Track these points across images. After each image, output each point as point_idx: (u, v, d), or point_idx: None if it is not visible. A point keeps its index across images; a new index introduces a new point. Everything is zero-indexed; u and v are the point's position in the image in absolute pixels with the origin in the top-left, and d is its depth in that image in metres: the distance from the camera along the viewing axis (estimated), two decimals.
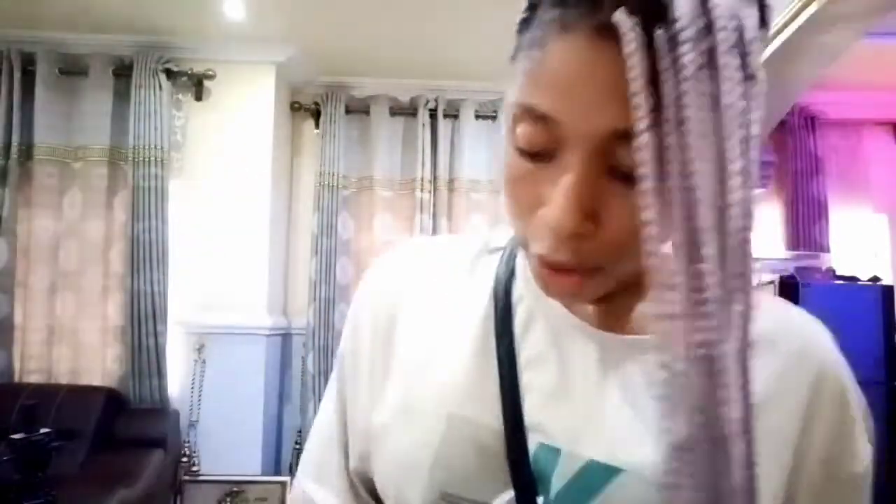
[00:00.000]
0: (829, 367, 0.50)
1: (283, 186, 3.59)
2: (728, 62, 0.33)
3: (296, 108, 3.62)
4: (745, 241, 0.34)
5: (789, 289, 3.33)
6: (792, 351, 0.49)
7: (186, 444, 3.07)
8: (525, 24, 0.43)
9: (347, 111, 3.57)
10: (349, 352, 0.58)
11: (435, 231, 3.52)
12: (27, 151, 3.14)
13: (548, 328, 0.51)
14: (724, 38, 0.33)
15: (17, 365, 3.08)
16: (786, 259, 3.65)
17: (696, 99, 0.33)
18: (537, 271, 0.45)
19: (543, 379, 0.49)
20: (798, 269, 3.46)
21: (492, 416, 0.49)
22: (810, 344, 0.51)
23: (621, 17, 0.34)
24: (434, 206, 3.54)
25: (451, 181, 3.57)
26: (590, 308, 0.51)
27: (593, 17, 0.36)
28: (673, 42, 0.33)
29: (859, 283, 3.43)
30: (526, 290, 0.53)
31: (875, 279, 3.44)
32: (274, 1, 2.93)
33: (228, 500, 2.92)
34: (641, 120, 0.34)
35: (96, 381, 3.08)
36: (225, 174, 3.27)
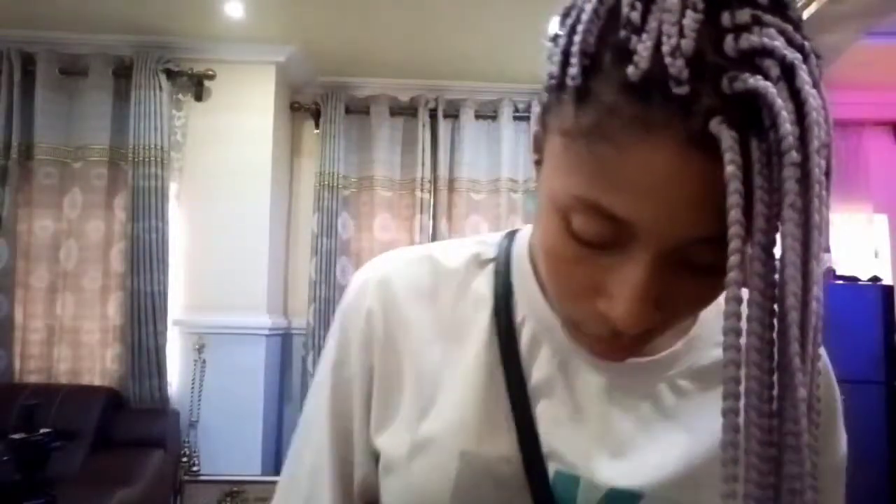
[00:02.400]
0: (822, 364, 0.52)
1: (283, 186, 3.59)
2: (821, 178, 0.33)
3: (296, 108, 3.62)
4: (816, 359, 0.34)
5: None
6: None
7: (186, 444, 3.07)
8: (579, 104, 0.36)
9: (347, 111, 3.57)
10: (344, 378, 0.54)
11: (435, 231, 3.52)
12: (27, 151, 3.14)
13: (553, 353, 0.50)
14: (817, 152, 0.32)
15: (17, 365, 3.08)
16: None
17: (793, 216, 0.32)
18: (588, 346, 0.44)
19: (554, 406, 0.49)
20: None
21: (507, 448, 0.47)
22: None
23: (722, 131, 0.32)
24: (434, 206, 3.54)
25: (451, 181, 3.57)
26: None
27: (685, 123, 0.32)
28: (768, 155, 0.32)
29: (859, 283, 3.43)
30: (529, 311, 0.51)
31: (875, 279, 3.44)
32: (274, 1, 2.93)
33: (228, 500, 2.92)
34: (735, 236, 0.32)
35: (96, 381, 3.08)
36: (225, 174, 3.27)
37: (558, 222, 0.39)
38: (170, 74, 3.21)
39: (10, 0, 2.94)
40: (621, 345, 0.42)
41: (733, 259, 0.33)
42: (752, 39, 0.32)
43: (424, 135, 3.54)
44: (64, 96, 3.20)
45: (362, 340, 0.53)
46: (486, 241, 0.56)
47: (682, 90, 0.32)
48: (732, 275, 0.33)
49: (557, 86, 0.38)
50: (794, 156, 0.31)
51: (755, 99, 0.31)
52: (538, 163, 0.44)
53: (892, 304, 3.32)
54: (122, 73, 3.20)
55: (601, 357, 0.44)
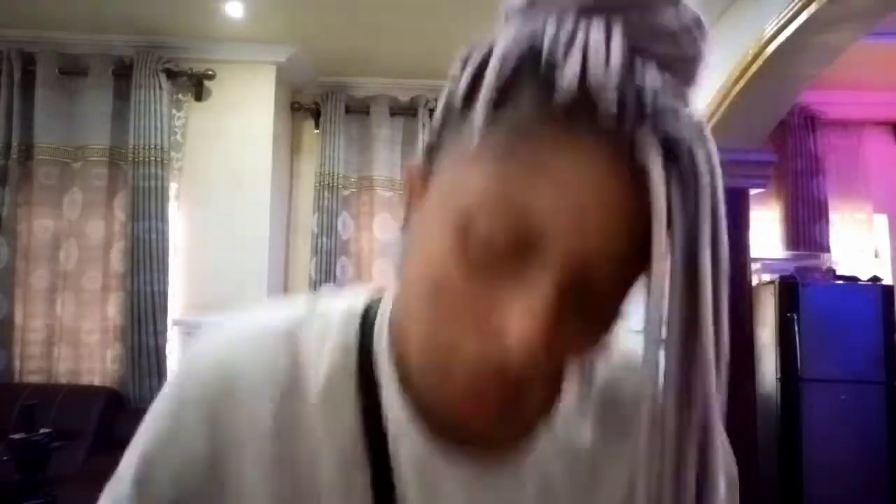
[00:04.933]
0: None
1: (283, 186, 3.59)
2: (723, 207, 0.34)
3: (296, 108, 3.62)
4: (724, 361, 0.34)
5: (789, 289, 3.34)
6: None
7: None
8: (495, 104, 0.35)
9: (347, 111, 3.57)
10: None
11: None
12: (27, 151, 3.14)
13: (414, 470, 0.44)
14: (718, 190, 0.34)
15: (17, 365, 3.08)
16: (786, 259, 3.66)
17: (706, 238, 0.33)
18: (462, 387, 0.37)
19: None
20: (798, 269, 3.46)
21: None
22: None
23: (649, 155, 0.32)
24: None
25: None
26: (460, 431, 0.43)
27: (606, 134, 0.33)
28: (685, 185, 0.33)
29: (859, 283, 3.44)
30: (395, 423, 0.44)
31: (875, 279, 3.44)
32: (274, 1, 2.93)
33: None
34: (658, 261, 0.33)
35: (96, 381, 3.08)
36: (225, 174, 3.27)
37: (451, 241, 0.35)
38: (170, 74, 3.21)
39: (10, 0, 2.94)
40: (499, 391, 0.36)
41: (659, 273, 0.33)
42: (666, 98, 0.34)
43: (424, 135, 3.55)
44: (64, 96, 3.20)
45: (194, 456, 0.43)
46: (328, 318, 0.47)
47: (609, 123, 0.32)
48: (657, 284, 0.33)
49: (465, 101, 0.37)
50: (708, 183, 0.33)
51: (673, 136, 0.33)
52: (410, 198, 0.42)
53: (892, 304, 3.32)
54: (122, 73, 3.20)
55: (471, 413, 0.38)
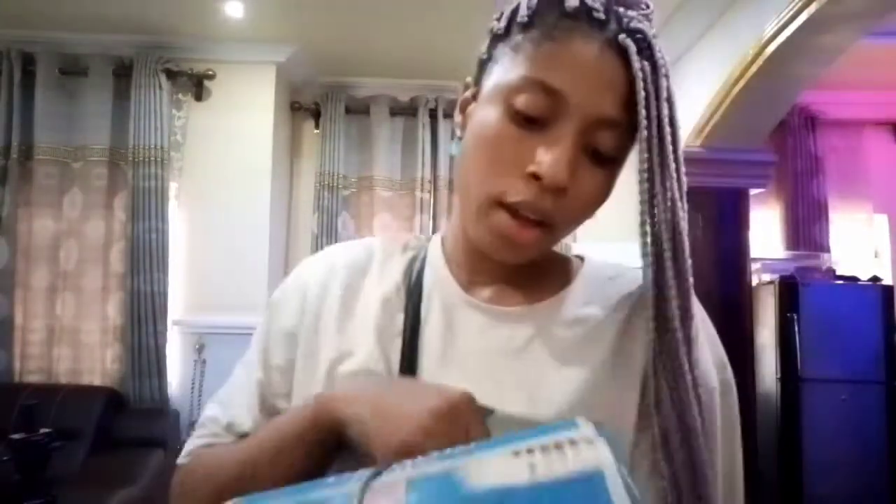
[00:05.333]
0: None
1: (283, 186, 3.59)
2: (675, 101, 0.53)
3: (296, 108, 3.62)
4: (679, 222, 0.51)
5: (789, 289, 3.34)
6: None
7: None
8: (526, 25, 0.54)
9: (347, 111, 3.57)
10: (282, 328, 0.66)
11: (435, 231, 3.51)
12: (27, 151, 3.14)
13: (444, 307, 0.61)
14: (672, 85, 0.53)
15: (17, 365, 3.08)
16: (786, 259, 3.66)
17: (666, 113, 0.51)
18: (504, 225, 0.54)
19: (435, 346, 0.58)
20: (798, 269, 3.46)
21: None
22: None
23: (628, 43, 0.51)
24: (434, 206, 3.54)
25: (451, 181, 3.57)
26: (485, 293, 0.62)
27: (602, 34, 0.51)
28: (654, 72, 0.51)
29: (859, 283, 3.43)
30: (434, 280, 0.63)
31: (875, 279, 3.44)
32: (274, 1, 2.93)
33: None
34: (643, 118, 0.50)
35: (96, 381, 3.08)
36: (225, 174, 3.27)
37: (501, 110, 0.53)
38: (170, 74, 3.21)
39: (10, 0, 2.94)
40: (540, 210, 0.53)
41: (644, 128, 0.50)
42: (632, 12, 0.53)
43: (424, 135, 3.54)
44: (64, 96, 3.20)
45: (301, 306, 0.65)
46: (415, 239, 0.70)
47: (600, 15, 0.51)
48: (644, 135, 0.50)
49: (506, 29, 0.56)
50: (665, 69, 0.51)
51: (640, 35, 0.51)
52: (464, 106, 0.62)
53: (892, 304, 3.32)
54: (122, 73, 3.20)
55: (514, 238, 0.54)
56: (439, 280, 0.63)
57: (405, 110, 3.59)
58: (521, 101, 0.52)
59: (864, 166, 3.97)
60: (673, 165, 0.51)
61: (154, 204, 3.09)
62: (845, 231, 3.90)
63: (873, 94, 3.79)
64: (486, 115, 0.55)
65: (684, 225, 0.51)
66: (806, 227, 3.81)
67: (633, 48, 0.50)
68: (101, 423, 2.78)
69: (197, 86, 3.27)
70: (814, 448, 3.26)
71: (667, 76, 0.51)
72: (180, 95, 3.28)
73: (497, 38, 0.57)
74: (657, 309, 0.51)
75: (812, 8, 2.20)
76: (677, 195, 0.51)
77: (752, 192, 3.13)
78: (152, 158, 3.11)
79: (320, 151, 3.52)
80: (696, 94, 2.86)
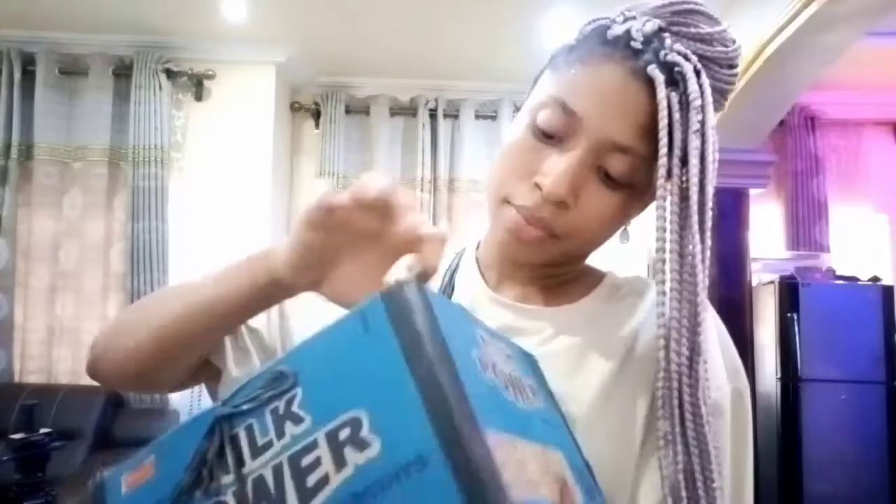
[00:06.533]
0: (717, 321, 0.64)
1: (283, 186, 3.58)
2: (712, 136, 0.52)
3: (296, 108, 3.62)
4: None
5: (789, 289, 3.33)
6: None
7: None
8: (571, 49, 0.58)
9: (347, 111, 3.57)
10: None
11: None
12: (27, 151, 3.14)
13: (471, 302, 0.64)
14: (712, 120, 0.52)
15: (17, 365, 3.08)
16: (786, 259, 3.65)
17: (696, 146, 0.51)
18: (511, 220, 0.57)
19: None
20: (798, 269, 3.46)
21: None
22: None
23: (657, 74, 0.51)
24: (434, 206, 3.54)
25: (451, 181, 3.57)
26: (511, 293, 0.65)
27: (632, 62, 0.53)
28: (682, 105, 0.51)
29: (859, 283, 3.43)
30: (466, 281, 0.67)
31: (875, 279, 3.43)
32: (274, 1, 2.93)
33: None
34: (663, 148, 0.51)
35: None
36: (225, 174, 3.27)
37: (526, 122, 0.57)
38: (170, 74, 3.21)
39: (9, 0, 2.94)
40: (538, 218, 0.55)
41: (663, 158, 0.51)
42: (680, 45, 0.53)
43: (424, 135, 3.54)
44: (64, 96, 3.20)
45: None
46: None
47: (637, 45, 0.53)
48: (662, 171, 0.51)
49: (567, 50, 0.58)
50: (698, 102, 0.51)
51: (678, 68, 0.51)
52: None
53: (892, 304, 3.32)
54: (122, 73, 3.20)
55: (521, 238, 0.57)
56: (469, 279, 0.67)
57: (405, 110, 3.59)
58: (542, 117, 0.55)
59: (865, 166, 3.97)
60: (695, 198, 0.50)
61: (154, 204, 3.09)
62: (845, 231, 3.90)
63: (873, 94, 3.79)
64: (516, 124, 0.59)
65: (698, 261, 0.50)
66: (806, 227, 3.81)
67: (660, 78, 0.51)
68: (100, 423, 2.78)
69: (197, 86, 3.27)
70: (814, 448, 3.26)
71: (701, 109, 0.51)
72: (180, 95, 3.28)
73: (553, 57, 0.60)
74: (665, 345, 0.51)
75: (812, 8, 2.21)
76: (697, 236, 0.50)
77: (752, 192, 3.13)
78: (152, 158, 3.11)
79: (320, 151, 3.52)
80: None
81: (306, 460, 0.34)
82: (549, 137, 0.55)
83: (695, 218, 0.50)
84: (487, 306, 0.64)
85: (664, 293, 0.51)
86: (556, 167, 0.54)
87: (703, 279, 0.50)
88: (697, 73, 0.52)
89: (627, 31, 0.53)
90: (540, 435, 0.40)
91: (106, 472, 0.41)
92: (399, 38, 3.21)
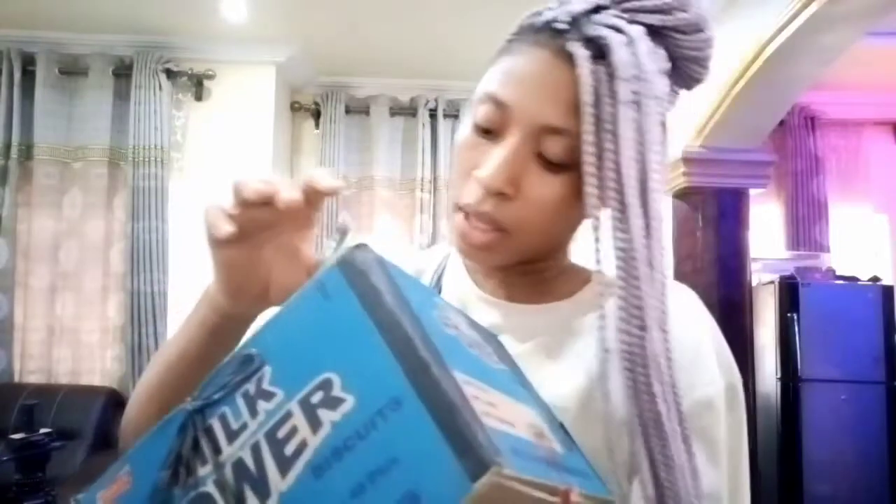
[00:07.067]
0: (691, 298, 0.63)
1: None
2: (652, 106, 0.50)
3: (296, 108, 3.62)
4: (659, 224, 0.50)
5: (789, 289, 3.33)
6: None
7: None
8: (508, 42, 0.58)
9: (347, 111, 3.57)
10: None
11: (435, 231, 3.52)
12: (27, 151, 3.14)
13: (458, 300, 0.64)
14: (650, 89, 0.50)
15: (17, 365, 3.08)
16: (786, 259, 3.65)
17: (631, 116, 0.49)
18: (459, 226, 0.56)
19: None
20: (798, 269, 3.46)
21: None
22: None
23: (577, 49, 0.50)
24: (434, 206, 3.54)
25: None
26: (489, 287, 0.65)
27: (555, 42, 0.52)
28: (611, 76, 0.49)
29: (859, 283, 3.43)
30: (451, 277, 0.68)
31: (875, 279, 3.43)
32: (274, 1, 2.93)
33: None
34: (587, 124, 0.49)
35: (96, 381, 3.08)
36: (225, 174, 3.27)
37: (469, 122, 0.57)
38: (170, 74, 3.21)
39: (10, 0, 2.94)
40: (481, 213, 0.54)
41: (587, 137, 0.49)
42: (618, 19, 0.52)
43: (424, 135, 3.54)
44: (64, 96, 3.20)
45: None
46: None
47: (561, 26, 0.52)
48: (588, 149, 0.50)
49: (505, 48, 0.58)
50: (628, 71, 0.49)
51: (602, 41, 0.50)
52: None
53: (892, 304, 3.32)
54: (122, 73, 3.20)
55: (469, 242, 0.56)
56: (457, 278, 0.68)
57: (405, 110, 3.59)
58: (479, 114, 0.55)
59: (864, 166, 3.97)
60: (630, 172, 0.49)
61: (154, 204, 3.09)
62: (845, 231, 3.90)
63: (873, 94, 3.79)
64: (462, 126, 0.59)
65: (635, 246, 0.48)
66: (806, 227, 3.81)
67: (581, 54, 0.50)
68: (100, 423, 2.78)
69: (197, 86, 3.27)
70: (814, 448, 3.26)
71: (633, 79, 0.49)
72: (180, 95, 3.28)
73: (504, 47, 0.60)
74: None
75: (812, 8, 2.21)
76: (636, 210, 0.49)
77: (752, 192, 3.13)
78: (152, 158, 3.11)
79: (320, 151, 3.52)
80: (695, 93, 2.86)
81: (282, 431, 0.34)
82: (488, 133, 0.55)
83: (631, 192, 0.48)
84: (475, 304, 0.64)
85: (605, 286, 0.50)
86: (493, 159, 0.53)
87: (644, 257, 0.48)
88: (632, 43, 0.50)
89: (555, 15, 0.53)
90: (509, 389, 0.40)
91: (80, 495, 0.40)
92: (399, 38, 3.21)
